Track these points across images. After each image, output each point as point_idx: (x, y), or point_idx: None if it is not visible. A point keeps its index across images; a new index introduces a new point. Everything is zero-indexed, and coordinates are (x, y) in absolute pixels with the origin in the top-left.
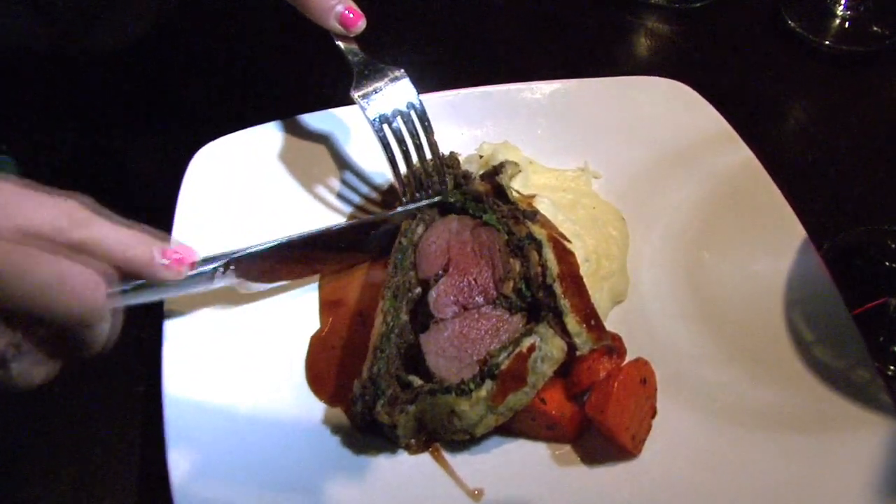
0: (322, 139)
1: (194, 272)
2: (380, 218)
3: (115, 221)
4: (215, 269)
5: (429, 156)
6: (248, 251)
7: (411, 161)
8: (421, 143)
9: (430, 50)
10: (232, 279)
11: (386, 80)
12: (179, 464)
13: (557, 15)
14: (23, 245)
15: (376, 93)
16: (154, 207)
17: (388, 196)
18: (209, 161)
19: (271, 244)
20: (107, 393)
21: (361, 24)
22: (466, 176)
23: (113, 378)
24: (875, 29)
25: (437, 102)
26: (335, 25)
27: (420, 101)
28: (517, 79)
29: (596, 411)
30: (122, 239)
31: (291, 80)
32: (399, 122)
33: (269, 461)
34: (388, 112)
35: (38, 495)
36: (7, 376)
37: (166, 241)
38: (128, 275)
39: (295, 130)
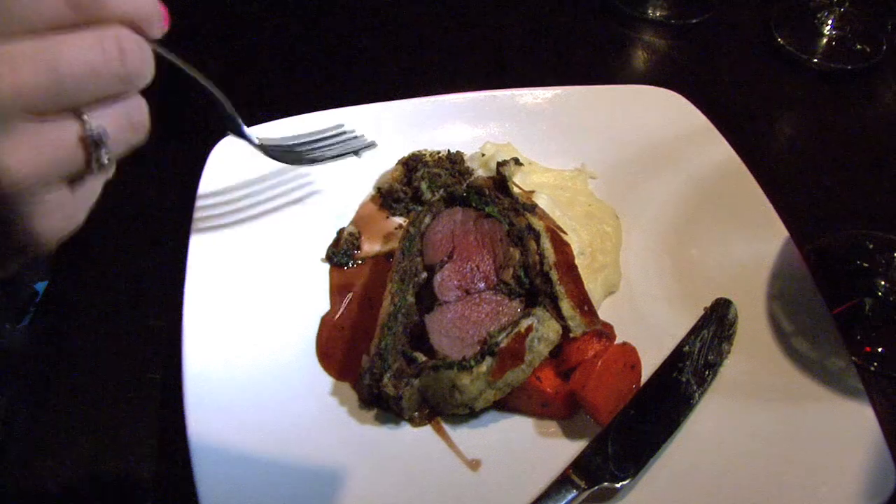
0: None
1: None
2: None
3: None
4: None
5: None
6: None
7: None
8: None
9: (443, 57)
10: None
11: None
12: (199, 433)
13: (561, 28)
14: (44, 40)
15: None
16: (173, 198)
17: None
18: (227, 154)
19: None
20: (122, 381)
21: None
22: (468, 172)
23: (128, 367)
24: (859, 47)
25: (447, 104)
26: None
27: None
28: (521, 85)
29: (578, 386)
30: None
31: (304, 80)
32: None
33: (281, 433)
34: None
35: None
36: (102, 160)
37: None
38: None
39: (307, 127)
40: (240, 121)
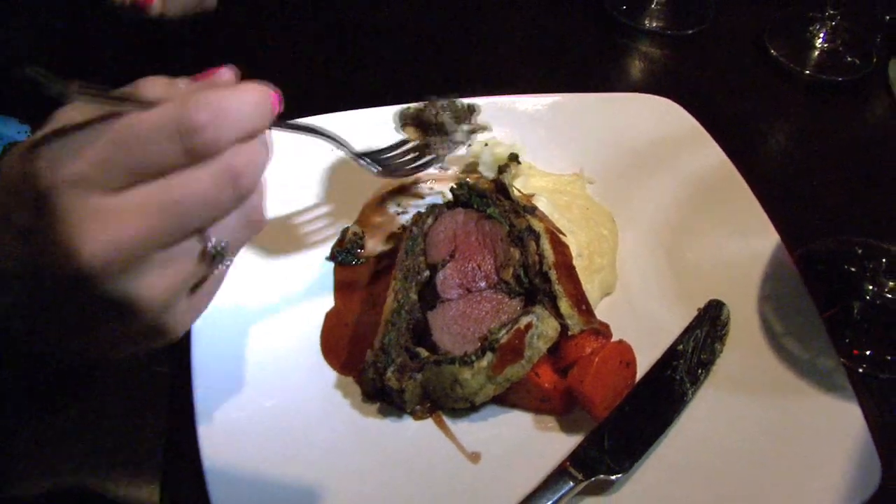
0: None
1: None
2: None
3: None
4: None
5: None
6: None
7: None
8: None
9: (447, 64)
10: None
11: None
12: (207, 424)
13: (559, 38)
14: (165, 184)
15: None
16: None
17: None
18: None
19: None
20: (131, 375)
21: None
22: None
23: (136, 362)
24: (850, 60)
25: None
26: None
27: None
28: (521, 92)
29: (576, 382)
30: (245, 113)
31: (301, 83)
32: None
33: (288, 425)
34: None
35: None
36: (224, 266)
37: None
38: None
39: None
40: (361, 158)
